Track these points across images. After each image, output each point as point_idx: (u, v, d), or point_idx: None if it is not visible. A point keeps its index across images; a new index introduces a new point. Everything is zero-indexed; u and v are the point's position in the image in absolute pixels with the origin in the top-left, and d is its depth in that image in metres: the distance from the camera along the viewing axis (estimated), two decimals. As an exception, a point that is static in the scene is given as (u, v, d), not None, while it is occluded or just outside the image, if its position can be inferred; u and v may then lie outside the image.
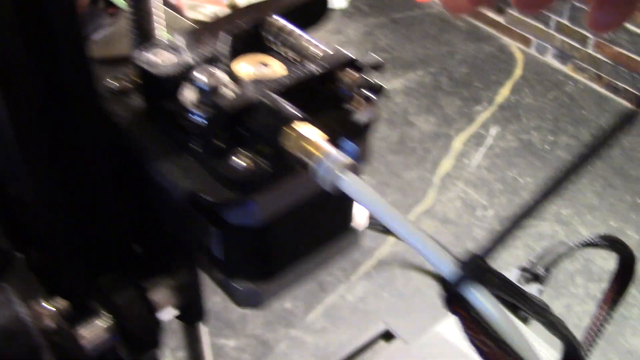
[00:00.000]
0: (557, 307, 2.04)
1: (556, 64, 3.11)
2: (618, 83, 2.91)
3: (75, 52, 0.47)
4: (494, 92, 2.94)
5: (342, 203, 0.56)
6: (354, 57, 0.50)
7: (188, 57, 0.50)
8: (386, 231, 0.57)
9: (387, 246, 2.20)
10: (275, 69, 0.51)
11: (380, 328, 1.35)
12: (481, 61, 3.13)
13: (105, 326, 0.54)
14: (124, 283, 0.56)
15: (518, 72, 3.08)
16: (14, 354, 0.49)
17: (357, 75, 0.50)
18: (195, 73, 0.47)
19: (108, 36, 0.64)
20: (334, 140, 0.44)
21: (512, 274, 1.18)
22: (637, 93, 2.81)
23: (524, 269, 1.25)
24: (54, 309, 0.51)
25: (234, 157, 0.46)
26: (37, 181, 0.50)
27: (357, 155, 0.45)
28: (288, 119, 0.44)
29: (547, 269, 1.26)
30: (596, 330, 0.98)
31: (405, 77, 3.02)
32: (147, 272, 0.57)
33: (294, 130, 0.44)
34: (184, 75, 0.48)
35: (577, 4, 2.93)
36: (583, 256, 2.20)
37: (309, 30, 0.55)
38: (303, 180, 0.48)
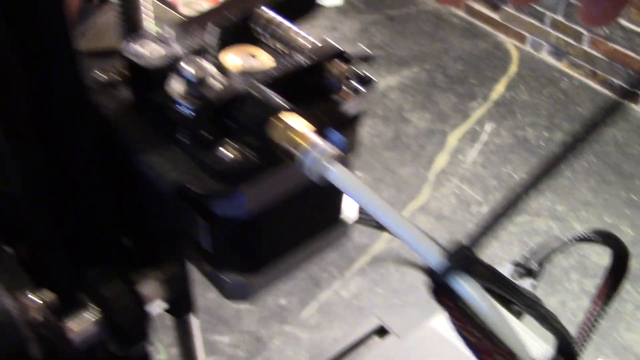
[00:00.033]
0: (552, 303, 2.04)
1: (551, 60, 3.12)
2: (613, 79, 2.91)
3: (62, 43, 0.47)
4: (489, 89, 2.94)
5: (331, 195, 0.55)
6: (342, 49, 0.50)
7: (176, 49, 0.50)
8: (376, 226, 0.57)
9: (381, 242, 2.20)
10: (263, 60, 0.51)
11: (374, 324, 1.34)
12: (476, 58, 3.13)
13: (94, 319, 0.54)
14: (112, 276, 0.55)
15: (513, 68, 3.08)
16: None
17: (345, 66, 0.50)
18: (182, 64, 0.46)
19: (97, 29, 0.64)
20: (321, 131, 0.44)
21: (506, 269, 1.18)
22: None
23: (517, 264, 1.24)
24: (41, 302, 0.50)
25: (221, 149, 0.46)
26: (25, 173, 0.50)
27: (344, 146, 0.45)
28: (275, 110, 0.44)
29: (540, 264, 1.25)
30: (590, 325, 0.98)
31: (400, 74, 3.02)
32: (136, 265, 0.57)
33: (280, 121, 0.44)
34: (171, 66, 0.48)
35: (572, 1, 2.93)
36: (578, 252, 2.20)
37: (299, 22, 0.55)
38: (291, 172, 0.48)
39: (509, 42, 3.24)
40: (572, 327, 0.85)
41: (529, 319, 0.58)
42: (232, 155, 0.45)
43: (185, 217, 0.51)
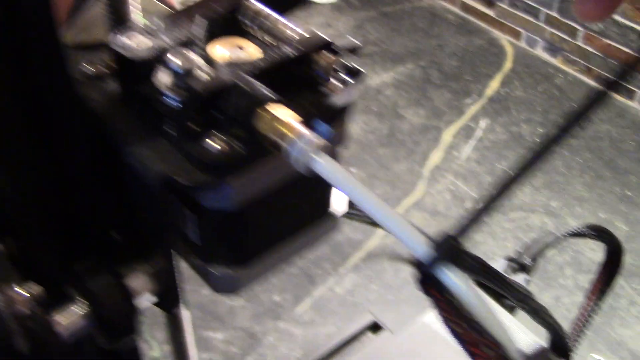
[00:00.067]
0: (546, 299, 2.04)
1: (546, 56, 3.12)
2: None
3: (47, 36, 0.46)
4: (484, 85, 2.94)
5: (319, 187, 0.55)
6: (329, 40, 0.50)
7: (163, 41, 0.50)
8: (365, 220, 0.57)
9: (376, 239, 2.20)
10: (250, 51, 0.51)
11: (367, 320, 1.34)
12: (471, 54, 3.13)
13: (82, 313, 0.54)
14: (100, 269, 0.55)
15: (508, 64, 3.08)
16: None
17: (333, 58, 0.49)
18: (169, 56, 0.46)
19: (85, 22, 0.64)
20: (308, 123, 0.44)
21: (499, 264, 1.18)
22: (629, 86, 2.81)
23: (510, 259, 1.24)
24: (28, 295, 0.50)
25: (208, 140, 0.45)
26: (12, 167, 0.50)
27: (331, 137, 0.45)
28: (261, 101, 0.44)
29: (534, 259, 1.25)
30: (584, 321, 0.98)
31: (395, 70, 3.02)
32: (124, 258, 0.57)
33: (267, 112, 0.43)
34: (158, 58, 0.48)
35: (567, -3, 2.93)
36: (572, 248, 2.20)
37: (290, 16, 0.55)
38: (279, 164, 0.48)
39: (504, 39, 3.24)
40: (566, 323, 0.86)
41: (522, 314, 0.58)
42: (218, 147, 0.45)
43: (172, 210, 0.51)
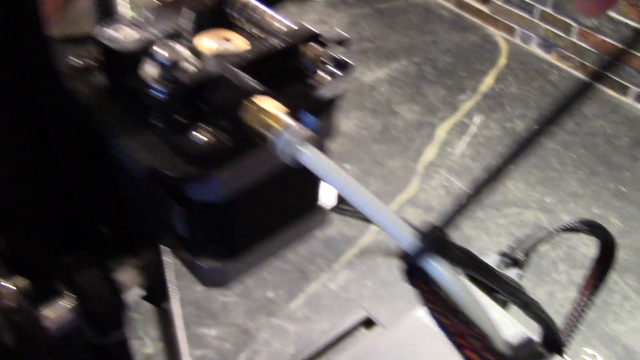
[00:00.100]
0: (540, 294, 2.04)
1: (540, 52, 3.12)
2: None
3: (34, 29, 0.46)
4: (478, 81, 2.94)
5: (308, 180, 0.55)
6: (317, 32, 0.50)
7: (150, 33, 0.49)
8: (354, 215, 0.57)
9: (369, 235, 2.19)
10: (238, 44, 0.50)
11: (360, 315, 1.34)
12: (465, 50, 3.13)
13: (69, 307, 0.53)
14: (88, 263, 0.55)
15: (502, 61, 3.08)
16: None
17: (321, 50, 0.49)
18: (155, 48, 0.46)
19: (73, 15, 0.63)
20: (294, 114, 0.44)
21: (492, 259, 1.18)
22: (623, 82, 2.81)
23: (503, 254, 1.24)
24: (14, 288, 0.50)
25: (194, 132, 0.45)
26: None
27: (317, 128, 0.45)
28: (248, 92, 0.44)
29: (526, 254, 1.25)
30: (577, 315, 0.98)
31: (390, 67, 3.02)
32: (112, 252, 0.56)
33: (253, 103, 0.43)
34: (145, 50, 0.48)
35: (561, -7, 2.93)
36: (566, 243, 2.20)
37: (282, 11, 0.54)
38: (266, 156, 0.47)
39: (498, 35, 3.24)
40: (560, 318, 0.85)
41: (515, 309, 0.57)
42: (205, 139, 0.45)
43: (160, 203, 0.51)
